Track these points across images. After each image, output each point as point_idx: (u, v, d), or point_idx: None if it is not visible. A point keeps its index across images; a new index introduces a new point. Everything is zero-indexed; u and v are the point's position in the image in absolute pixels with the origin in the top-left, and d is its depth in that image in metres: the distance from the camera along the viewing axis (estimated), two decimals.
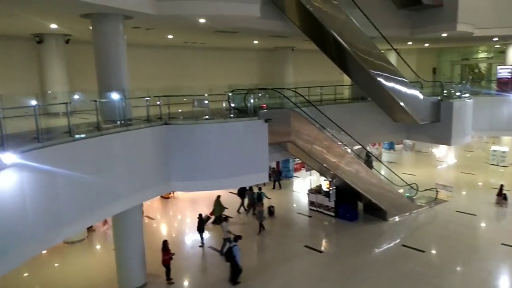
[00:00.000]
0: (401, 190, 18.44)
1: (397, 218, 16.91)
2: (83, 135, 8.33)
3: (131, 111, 10.86)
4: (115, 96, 10.38)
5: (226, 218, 14.68)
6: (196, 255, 14.32)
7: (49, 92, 15.24)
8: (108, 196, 8.97)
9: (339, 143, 14.94)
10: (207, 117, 11.44)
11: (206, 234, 15.25)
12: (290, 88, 14.55)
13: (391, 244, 15.00)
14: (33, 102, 7.91)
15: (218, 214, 16.66)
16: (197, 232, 14.90)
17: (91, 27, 10.94)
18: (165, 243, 12.33)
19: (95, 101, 9.56)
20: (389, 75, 15.02)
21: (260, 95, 13.75)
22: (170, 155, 10.72)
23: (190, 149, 10.82)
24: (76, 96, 13.53)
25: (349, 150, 15.49)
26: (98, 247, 15.47)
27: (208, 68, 22.56)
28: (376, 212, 16.81)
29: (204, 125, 11.09)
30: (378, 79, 14.78)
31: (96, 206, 8.63)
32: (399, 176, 18.67)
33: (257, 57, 25.24)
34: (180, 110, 12.06)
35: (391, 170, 19.44)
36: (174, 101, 11.74)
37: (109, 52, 10.90)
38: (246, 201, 18.51)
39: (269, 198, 18.68)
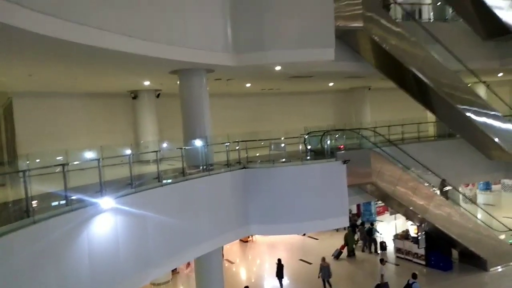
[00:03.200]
0: (502, 236, 16.29)
1: (499, 268, 14.85)
2: (169, 180, 8.94)
3: (213, 157, 11.42)
4: (198, 143, 11.07)
5: (382, 260, 14.20)
6: None
7: (141, 142, 16.76)
8: (191, 239, 9.33)
9: (426, 184, 13.93)
10: (284, 160, 11.56)
11: (285, 280, 14.86)
12: (369, 127, 14.17)
13: None
14: (128, 152, 8.77)
15: (352, 247, 17.29)
16: (276, 278, 14.60)
17: (178, 82, 12.04)
18: None
19: (181, 148, 10.28)
20: (479, 110, 13.94)
21: (337, 136, 13.60)
22: (249, 199, 10.93)
23: (267, 192, 10.94)
24: (164, 145, 14.69)
25: (438, 192, 14.32)
26: None
27: (284, 112, 23.04)
28: (474, 261, 14.99)
29: (281, 168, 11.19)
30: (467, 114, 13.79)
31: (181, 248, 9.02)
32: (499, 221, 16.60)
33: (333, 98, 25.21)
34: (257, 154, 12.38)
35: (489, 214, 17.41)
36: (252, 145, 12.13)
37: (193, 103, 11.80)
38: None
39: (380, 234, 17.86)
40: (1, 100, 15.76)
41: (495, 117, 14.19)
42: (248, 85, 17.82)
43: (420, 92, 14.52)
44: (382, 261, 14.06)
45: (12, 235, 5.08)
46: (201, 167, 10.46)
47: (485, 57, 17.33)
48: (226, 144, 11.18)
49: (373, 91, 24.14)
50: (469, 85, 14.43)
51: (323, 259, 14.07)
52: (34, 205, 5.98)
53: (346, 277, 15.67)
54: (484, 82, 18.57)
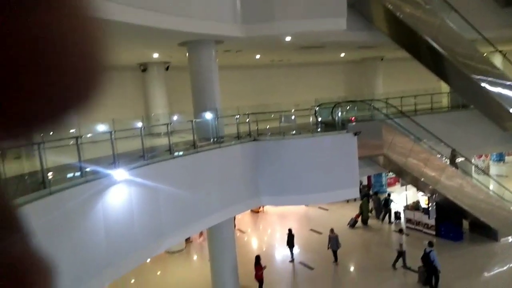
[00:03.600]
0: None
1: (510, 239, 14.91)
2: (181, 153, 9.06)
3: (223, 129, 11.47)
4: (208, 115, 11.11)
5: (402, 230, 14.44)
6: (287, 270, 14.32)
7: (152, 115, 16.87)
8: (203, 209, 9.54)
9: (438, 156, 13.82)
10: (294, 132, 11.56)
11: (295, 250, 15.18)
12: (381, 99, 13.98)
13: (504, 268, 13.26)
14: (139, 125, 8.86)
15: (366, 216, 17.55)
16: (287, 247, 14.92)
17: (187, 54, 11.94)
18: (257, 258, 12.58)
19: (191, 121, 10.33)
20: (494, 80, 13.59)
21: (348, 108, 13.47)
22: (259, 170, 11.03)
23: (278, 164, 11.02)
24: (175, 118, 14.77)
25: (448, 162, 14.23)
26: (195, 257, 16.41)
27: (294, 84, 22.81)
28: (484, 232, 15.05)
29: (291, 141, 11.22)
30: (482, 84, 13.46)
31: (193, 218, 9.24)
32: (510, 191, 16.49)
33: (344, 69, 24.79)
34: (268, 127, 12.39)
35: (501, 185, 17.29)
36: (262, 118, 12.12)
37: (203, 75, 11.75)
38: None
39: (396, 204, 18.07)
40: None
41: (511, 88, 13.82)
42: (257, 56, 17.59)
43: (434, 62, 14.17)
44: (401, 231, 14.19)
45: (29, 206, 5.26)
46: (211, 140, 10.54)
47: (503, 25, 16.67)
48: (236, 116, 11.19)
49: (385, 62, 23.61)
50: (485, 55, 13.99)
51: (332, 230, 14.24)
52: (49, 177, 6.14)
53: (361, 245, 15.89)
54: (500, 51, 18.00)
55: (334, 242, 14.09)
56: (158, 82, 17.03)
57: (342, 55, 20.54)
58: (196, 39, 11.13)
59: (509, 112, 13.93)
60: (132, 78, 17.41)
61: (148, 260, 14.72)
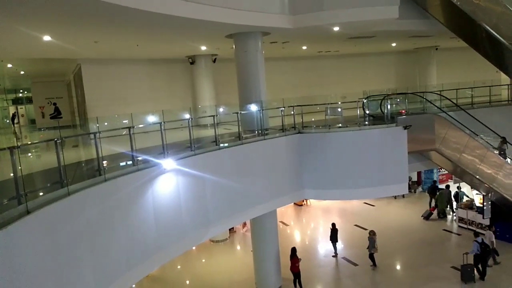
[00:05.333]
0: None
1: None
2: (226, 144, 9.20)
3: (268, 121, 11.48)
4: (253, 107, 11.16)
5: (491, 226, 13.92)
6: (330, 265, 14.17)
7: (199, 106, 17.25)
8: (247, 201, 9.66)
9: (496, 152, 12.96)
10: (340, 125, 11.32)
11: (339, 245, 14.97)
12: (434, 91, 13.30)
13: None
14: (187, 116, 9.10)
15: (442, 207, 17.41)
16: (330, 241, 14.75)
17: (234, 46, 12.03)
18: (293, 250, 12.54)
19: (237, 113, 10.44)
20: None
21: (398, 100, 12.96)
22: (304, 163, 10.94)
23: (323, 158, 10.86)
24: (221, 109, 15.01)
25: (509, 160, 13.29)
26: (238, 247, 16.70)
27: (342, 75, 22.29)
28: None
29: (337, 133, 10.99)
30: None
31: (238, 209, 9.39)
32: None
33: (395, 60, 23.82)
34: (313, 119, 12.22)
35: None
36: (308, 110, 11.98)
37: (249, 67, 11.80)
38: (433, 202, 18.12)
39: (469, 198, 17.23)
40: (71, 67, 16.91)
41: None
42: (304, 47, 17.36)
43: (494, 52, 13.21)
44: (491, 226, 13.61)
45: (86, 191, 5.59)
46: (256, 132, 10.60)
47: None
48: (281, 108, 11.15)
49: (440, 51, 22.41)
50: None
51: (372, 232, 13.55)
52: (104, 165, 6.49)
53: (420, 241, 15.29)
54: None
55: (371, 243, 13.40)
56: (206, 74, 17.35)
57: (394, 44, 19.73)
58: (243, 31, 11.20)
59: None
60: (181, 71, 17.87)
61: (194, 247, 15.20)
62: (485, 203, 14.61)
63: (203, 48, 14.98)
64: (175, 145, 8.58)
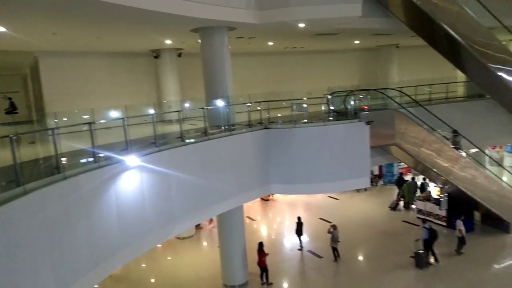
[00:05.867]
0: None
1: None
2: (192, 140, 9.09)
3: (235, 117, 11.46)
4: (220, 103, 11.09)
5: (461, 215, 14.32)
6: (295, 258, 14.41)
7: (164, 101, 16.93)
8: (214, 196, 9.61)
9: (452, 146, 13.62)
10: (305, 120, 11.48)
11: (304, 238, 15.26)
12: (394, 87, 13.76)
13: None
14: (151, 111, 8.90)
15: (408, 200, 18.15)
16: (296, 235, 14.99)
17: (199, 40, 11.87)
18: (260, 244, 12.65)
19: (203, 108, 10.33)
20: None
21: (361, 96, 13.30)
22: (270, 159, 11.02)
23: (289, 153, 10.98)
24: (186, 105, 14.80)
25: (463, 154, 14.02)
26: (204, 243, 16.62)
27: (307, 72, 22.58)
28: (496, 223, 14.89)
29: (302, 129, 11.15)
30: (499, 73, 13.10)
31: (203, 205, 9.33)
32: None
33: (358, 57, 24.42)
34: (279, 115, 12.32)
35: None
36: (274, 105, 12.05)
37: (215, 62, 11.70)
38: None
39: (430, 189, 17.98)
40: (27, 60, 16.06)
41: None
42: (270, 43, 17.41)
43: (451, 50, 13.81)
44: (460, 216, 14.19)
45: (45, 190, 5.35)
46: (223, 127, 10.55)
47: None
48: (247, 104, 11.15)
49: (401, 49, 23.19)
50: (503, 43, 13.59)
51: (333, 226, 13.90)
52: (63, 162, 6.23)
53: (382, 233, 15.90)
54: None
55: (332, 238, 13.71)
56: (171, 68, 17.04)
57: (357, 42, 20.21)
58: (208, 25, 11.07)
59: None
60: (145, 65, 17.45)
61: (159, 245, 14.96)
62: (442, 195, 15.36)
63: (168, 42, 14.68)
64: (139, 141, 8.38)
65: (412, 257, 13.29)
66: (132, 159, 7.19)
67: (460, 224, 13.58)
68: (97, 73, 16.08)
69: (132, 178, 7.32)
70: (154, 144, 8.11)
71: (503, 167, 19.63)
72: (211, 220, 17.50)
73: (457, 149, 13.63)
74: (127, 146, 7.48)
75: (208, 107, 11.15)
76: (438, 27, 12.93)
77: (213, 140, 9.56)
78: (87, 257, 6.23)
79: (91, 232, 6.39)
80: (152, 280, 13.58)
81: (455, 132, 13.72)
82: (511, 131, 16.01)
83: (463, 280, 11.90)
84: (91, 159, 6.80)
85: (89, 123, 6.89)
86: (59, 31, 10.65)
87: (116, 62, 16.59)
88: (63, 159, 6.28)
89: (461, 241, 13.58)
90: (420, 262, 12.87)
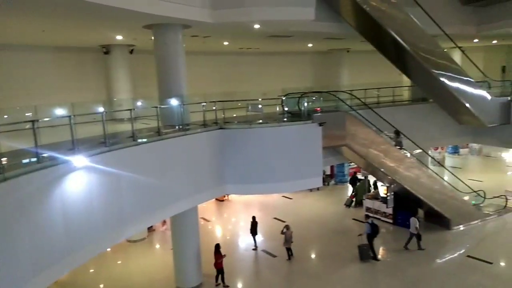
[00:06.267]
0: (466, 198, 17.24)
1: (461, 227, 15.83)
2: (145, 140, 8.82)
3: (189, 116, 11.29)
4: (174, 102, 10.87)
5: (416, 213, 15.18)
6: (250, 258, 14.47)
7: (114, 99, 16.31)
8: (167, 198, 9.39)
9: (398, 147, 14.34)
10: (261, 121, 11.56)
11: (259, 237, 15.37)
12: (345, 90, 14.26)
13: (455, 255, 14.09)
14: (101, 109, 8.53)
15: (360, 197, 18.67)
16: (250, 234, 15.07)
17: (152, 37, 11.57)
18: (217, 246, 12.57)
19: (156, 107, 10.07)
20: (453, 75, 14.19)
21: (314, 98, 13.63)
22: (225, 159, 10.98)
23: (244, 153, 11.01)
24: (139, 103, 14.36)
25: (408, 154, 14.82)
26: (157, 246, 16.21)
27: (262, 73, 22.81)
28: (438, 220, 15.87)
29: (257, 129, 11.22)
30: (441, 79, 14.02)
31: (156, 207, 9.08)
32: (464, 183, 17.47)
33: (312, 60, 25.06)
34: (235, 115, 12.32)
35: (456, 176, 18.27)
36: (229, 106, 12.03)
37: (169, 60, 11.45)
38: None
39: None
40: None
41: (468, 83, 14.52)
42: (226, 43, 17.37)
43: (397, 56, 14.58)
44: (415, 213, 15.05)
45: None
46: (177, 127, 10.35)
47: (463, 22, 17.47)
48: (202, 104, 11.04)
49: (351, 54, 24.09)
50: (445, 50, 14.56)
51: (287, 227, 14.06)
52: (3, 162, 5.81)
53: (346, 226, 16.53)
54: (459, 48, 18.81)
55: (285, 239, 13.88)
56: (122, 65, 16.47)
57: (310, 45, 20.70)
58: (162, 22, 10.82)
59: (465, 106, 14.64)
60: (94, 61, 16.73)
61: (109, 249, 14.38)
62: (388, 194, 16.14)
63: (119, 37, 14.16)
64: (87, 140, 8.00)
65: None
66: (79, 160, 6.84)
67: (415, 222, 14.29)
68: (42, 68, 15.18)
69: (80, 180, 6.97)
70: (104, 143, 7.77)
71: (444, 167, 21.01)
72: (164, 222, 17.11)
73: (399, 148, 14.34)
74: (74, 145, 7.11)
75: (162, 106, 10.89)
76: (385, 34, 13.58)
77: (167, 140, 9.35)
78: (30, 263, 5.84)
79: (34, 237, 5.99)
80: (101, 286, 13.02)
81: (397, 132, 14.43)
82: (452, 133, 17.21)
83: (408, 274, 12.56)
84: (34, 160, 6.39)
85: (32, 121, 6.46)
86: None
87: (63, 57, 15.77)
88: (3, 159, 5.85)
89: (418, 237, 14.26)
90: (364, 255, 13.60)
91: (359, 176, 20.64)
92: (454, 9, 17.13)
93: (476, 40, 22.35)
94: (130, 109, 8.92)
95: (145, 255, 15.05)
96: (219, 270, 12.35)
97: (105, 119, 8.07)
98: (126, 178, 7.99)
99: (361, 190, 19.04)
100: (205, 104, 11.05)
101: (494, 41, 24.95)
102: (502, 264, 13.05)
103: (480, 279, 11.92)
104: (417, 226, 14.22)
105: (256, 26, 12.40)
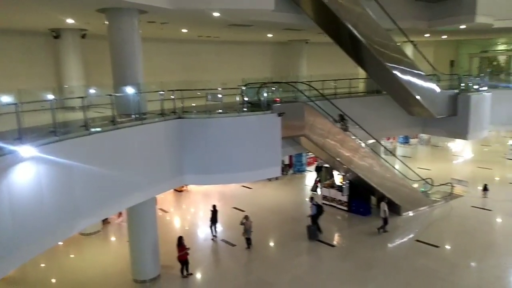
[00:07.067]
0: (415, 185, 18.23)
1: (411, 213, 16.74)
2: (98, 129, 8.46)
3: (146, 105, 10.97)
4: (130, 90, 10.50)
5: (384, 198, 15.60)
6: (209, 248, 14.48)
7: (65, 86, 15.49)
8: (123, 189, 9.11)
9: (353, 137, 14.81)
10: (220, 111, 11.47)
11: (218, 227, 15.39)
12: (304, 81, 14.45)
13: (405, 239, 14.88)
14: (50, 97, 8.06)
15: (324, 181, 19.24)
16: (210, 223, 15.04)
17: (106, 22, 11.05)
18: (180, 239, 12.43)
19: (110, 95, 9.68)
20: (405, 68, 14.78)
21: (273, 88, 13.71)
22: (184, 149, 10.81)
23: (203, 143, 10.89)
24: (92, 91, 13.72)
25: (362, 144, 15.36)
26: (113, 239, 15.77)
27: (222, 62, 22.58)
28: (389, 207, 16.60)
29: (217, 119, 11.12)
30: (394, 72, 14.56)
31: (112, 198, 8.79)
32: (413, 171, 18.44)
33: (272, 50, 25.12)
34: (194, 104, 12.13)
35: (406, 165, 19.21)
36: (188, 95, 11.81)
37: (124, 47, 11.00)
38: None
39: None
40: None
41: (419, 76, 15.20)
42: (184, 30, 16.97)
43: (353, 49, 14.95)
44: (383, 199, 15.59)
45: None
46: (133, 116, 10.02)
47: (415, 17, 18.21)
48: (160, 92, 10.75)
49: (310, 45, 24.40)
50: (398, 44, 15.13)
51: (246, 217, 14.15)
52: None
53: (303, 214, 16.49)
54: (412, 42, 19.62)
55: (245, 229, 14.00)
56: (73, 51, 15.61)
57: (270, 35, 20.73)
58: (116, 6, 10.35)
59: (416, 98, 15.34)
60: (42, 45, 15.75)
61: (61, 243, 13.81)
62: (344, 182, 16.69)
63: (70, 21, 13.40)
64: (36, 129, 7.54)
65: (318, 240, 14.26)
66: (26, 150, 6.44)
67: (384, 206, 15.04)
68: None
69: (28, 171, 6.57)
70: (54, 133, 7.37)
71: (395, 157, 22.02)
72: (120, 214, 16.65)
73: (344, 130, 14.57)
74: (20, 135, 6.68)
75: (117, 94, 10.48)
76: (342, 26, 13.86)
77: (123, 129, 9.03)
78: None
79: None
80: (53, 281, 12.50)
81: (341, 116, 14.72)
82: (403, 124, 18.01)
83: (362, 258, 13.13)
84: None
85: None
86: None
87: (7, 40, 14.70)
88: None
89: (385, 221, 15.07)
90: (311, 234, 14.57)
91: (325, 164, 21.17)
92: (407, 4, 17.80)
93: (427, 35, 23.44)
94: (82, 97, 8.51)
95: (100, 248, 14.60)
96: (183, 262, 12.23)
97: (55, 107, 7.64)
98: (79, 169, 7.64)
99: (325, 177, 19.56)
100: (163, 92, 10.77)
101: (444, 36, 26.29)
102: (448, 247, 13.97)
103: (428, 262, 12.70)
104: (386, 209, 14.96)
105: (216, 14, 12.20)
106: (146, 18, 12.17)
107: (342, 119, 14.67)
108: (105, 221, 16.44)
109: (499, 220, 16.42)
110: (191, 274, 12.35)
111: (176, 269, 12.44)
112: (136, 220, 11.88)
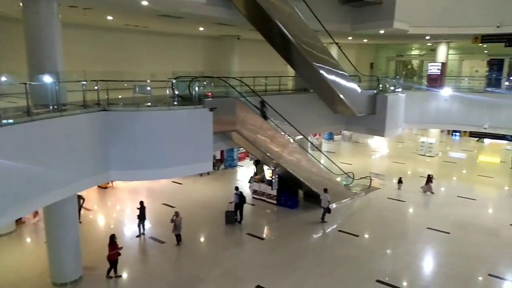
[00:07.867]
0: (338, 179, 19.37)
1: (334, 205, 17.74)
2: (11, 120, 7.69)
3: (66, 96, 10.20)
4: (47, 79, 9.66)
5: (326, 190, 16.19)
6: (137, 246, 13.99)
7: None
8: (40, 186, 8.39)
9: (282, 133, 15.26)
10: (149, 104, 11.08)
11: (147, 224, 14.93)
12: (236, 77, 14.52)
13: (329, 230, 15.75)
14: None
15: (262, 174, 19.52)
16: (138, 220, 14.51)
17: (21, 4, 10.05)
18: (112, 237, 11.77)
19: (25, 83, 8.83)
20: (330, 68, 15.55)
21: (205, 83, 13.58)
22: (109, 143, 10.24)
23: (130, 137, 10.43)
24: (3, 78, 12.39)
25: (291, 140, 15.90)
26: (28, 240, 14.50)
27: (151, 53, 21.79)
28: (315, 200, 17.46)
29: (146, 113, 10.70)
30: (321, 71, 15.25)
31: (26, 196, 8.04)
32: (337, 165, 19.57)
33: (203, 44, 24.83)
34: (120, 96, 11.54)
35: (330, 160, 20.31)
36: (114, 86, 11.19)
37: (41, 32, 10.10)
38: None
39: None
40: None
41: (342, 77, 16.10)
42: (110, 18, 16.06)
43: (283, 47, 15.36)
44: (326, 190, 16.29)
45: None
46: (51, 107, 9.26)
47: (340, 20, 19.24)
48: (82, 82, 10.06)
49: (242, 41, 24.55)
50: (324, 45, 15.86)
51: (177, 214, 13.90)
52: None
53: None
54: (336, 44, 20.72)
55: (175, 226, 13.77)
56: None
57: (201, 29, 20.46)
58: None
59: (340, 97, 16.24)
60: None
61: None
62: (273, 177, 17.16)
63: None
64: None
65: (249, 234, 14.50)
66: None
67: (326, 197, 15.86)
68: None
69: None
70: None
71: (321, 152, 23.14)
72: (36, 213, 15.35)
73: (264, 118, 14.73)
74: None
75: (32, 83, 9.59)
76: (273, 24, 14.16)
77: (39, 121, 8.28)
78: None
79: None
80: None
81: (262, 103, 15.02)
82: (328, 121, 18.99)
83: (289, 249, 13.64)
84: None
85: None
86: None
87: None
88: None
89: (327, 211, 15.93)
90: (229, 219, 15.57)
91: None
92: (333, 7, 18.73)
93: (350, 38, 24.92)
94: None
95: (14, 251, 13.36)
96: (113, 262, 11.63)
97: None
98: None
99: (261, 170, 19.93)
100: (85, 82, 10.09)
101: (365, 40, 28.19)
102: (366, 236, 15.08)
103: (349, 250, 13.59)
104: (329, 200, 15.84)
105: (144, 2, 11.73)
106: (67, 2, 11.31)
107: (263, 106, 14.81)
108: (19, 221, 15.05)
109: (411, 210, 18.12)
110: (120, 276, 11.80)
111: (100, 270, 11.83)
112: (54, 219, 11.05)
